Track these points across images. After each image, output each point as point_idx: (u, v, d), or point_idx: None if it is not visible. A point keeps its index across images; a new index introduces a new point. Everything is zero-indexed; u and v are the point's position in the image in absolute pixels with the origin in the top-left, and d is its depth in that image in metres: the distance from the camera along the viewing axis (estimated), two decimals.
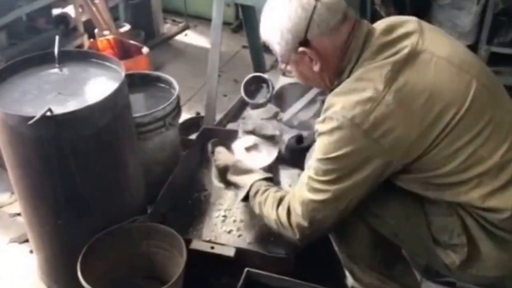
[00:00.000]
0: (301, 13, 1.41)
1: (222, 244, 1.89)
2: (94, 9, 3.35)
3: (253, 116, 2.66)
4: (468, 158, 1.36)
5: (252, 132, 2.24)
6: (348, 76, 1.43)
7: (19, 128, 1.60)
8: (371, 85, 1.34)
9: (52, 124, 1.58)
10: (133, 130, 1.96)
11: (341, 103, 1.36)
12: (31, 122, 1.51)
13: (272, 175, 1.78)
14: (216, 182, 1.90)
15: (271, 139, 2.22)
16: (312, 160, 1.46)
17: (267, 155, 2.13)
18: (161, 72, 2.72)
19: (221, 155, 1.86)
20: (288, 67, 1.55)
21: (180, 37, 4.42)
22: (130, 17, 4.00)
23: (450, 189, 1.39)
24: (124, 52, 3.16)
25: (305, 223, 1.47)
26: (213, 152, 1.89)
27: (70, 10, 3.42)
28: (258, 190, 1.65)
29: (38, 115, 1.53)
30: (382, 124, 1.32)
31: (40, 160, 1.68)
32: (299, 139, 2.18)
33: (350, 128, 1.33)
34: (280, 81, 2.84)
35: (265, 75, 2.91)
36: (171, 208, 2.15)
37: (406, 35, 1.42)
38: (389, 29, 1.44)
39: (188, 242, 1.84)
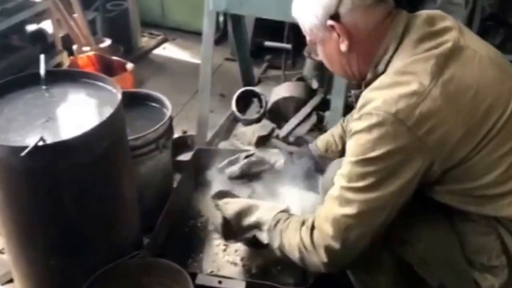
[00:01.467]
0: None
1: (229, 277, 1.77)
2: (72, 23, 3.18)
3: (248, 134, 2.54)
4: (510, 167, 1.28)
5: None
6: (385, 68, 1.33)
7: (7, 159, 1.44)
8: (416, 78, 1.23)
9: (45, 154, 1.43)
10: (129, 155, 1.81)
11: (382, 98, 1.24)
12: (23, 153, 1.35)
13: (286, 205, 1.62)
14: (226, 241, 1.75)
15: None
16: (344, 165, 1.33)
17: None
18: (142, 89, 2.58)
19: (230, 205, 1.67)
20: (317, 49, 1.46)
21: (159, 51, 4.27)
22: (107, 31, 3.84)
23: (491, 202, 1.30)
24: (107, 69, 2.99)
25: (336, 245, 1.32)
26: (217, 205, 1.70)
27: (46, 25, 3.24)
28: (279, 220, 1.51)
29: (30, 145, 1.38)
30: (428, 120, 1.21)
31: (30, 193, 1.52)
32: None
33: (392, 124, 1.21)
34: (273, 95, 2.74)
35: (257, 89, 2.81)
36: (168, 239, 2.03)
37: (446, 29, 1.34)
38: (430, 21, 1.35)
39: (192, 276, 1.70)
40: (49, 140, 1.43)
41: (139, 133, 2.07)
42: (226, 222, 1.65)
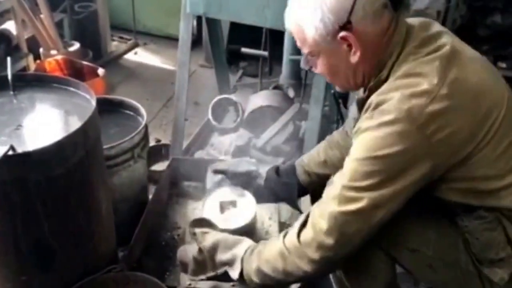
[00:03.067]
0: None
1: None
2: (38, 24, 3.03)
3: (225, 143, 2.47)
4: (509, 161, 1.31)
5: (224, 172, 2.03)
6: (389, 72, 1.31)
7: None
8: (425, 79, 1.23)
9: (15, 165, 1.32)
10: (105, 165, 1.71)
11: (394, 98, 1.23)
12: None
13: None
14: (193, 277, 1.65)
15: (246, 176, 2.02)
16: (347, 163, 1.30)
17: (246, 210, 1.94)
18: (112, 95, 2.48)
19: (207, 235, 1.62)
20: (318, 61, 1.39)
21: (129, 56, 4.15)
22: (74, 34, 3.70)
23: (492, 195, 1.33)
24: (76, 74, 2.86)
25: (330, 241, 1.30)
26: (194, 234, 1.65)
27: (10, 26, 3.07)
28: (254, 248, 1.49)
29: None
30: (437, 119, 1.21)
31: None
32: (277, 170, 2.01)
33: (404, 122, 1.20)
34: (250, 104, 2.68)
35: (233, 97, 2.74)
36: (144, 251, 1.94)
37: (440, 33, 1.35)
38: (425, 26, 1.36)
39: None
40: (20, 150, 1.32)
41: (113, 142, 1.97)
42: (199, 253, 1.59)
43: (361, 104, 1.40)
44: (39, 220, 1.43)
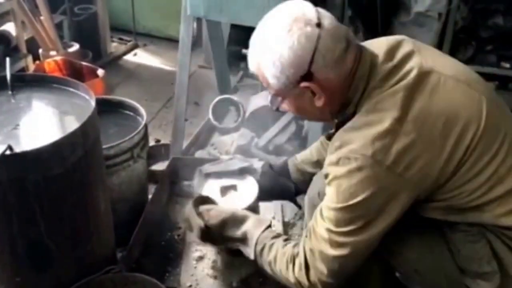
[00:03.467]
0: (305, 43, 1.24)
1: None
2: (38, 26, 3.02)
3: (226, 143, 2.47)
4: (490, 178, 1.30)
5: (217, 175, 1.98)
6: (355, 107, 1.31)
7: None
8: (387, 115, 1.23)
9: (13, 164, 1.31)
10: (104, 165, 1.70)
11: (357, 140, 1.23)
12: None
13: (270, 220, 1.60)
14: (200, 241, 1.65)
15: (243, 172, 1.99)
16: (326, 210, 1.31)
17: (247, 194, 1.90)
18: (111, 96, 2.47)
19: (213, 212, 1.60)
20: (284, 103, 1.38)
21: (129, 57, 4.15)
22: (74, 36, 3.69)
23: (474, 211, 1.32)
24: (75, 75, 2.85)
25: (331, 280, 1.35)
26: (199, 214, 1.61)
27: (10, 27, 3.07)
28: (263, 247, 1.48)
29: None
30: (405, 156, 1.22)
31: None
32: (270, 166, 1.99)
33: (372, 167, 1.21)
34: (251, 104, 2.67)
35: (235, 97, 2.74)
36: (143, 252, 1.93)
37: (408, 56, 1.33)
38: (390, 53, 1.34)
39: None
40: (18, 149, 1.31)
41: (112, 142, 1.96)
42: (206, 228, 1.57)
43: (328, 138, 1.43)
44: (35, 220, 1.42)
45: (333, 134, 1.38)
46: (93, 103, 1.55)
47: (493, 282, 1.35)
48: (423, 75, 1.29)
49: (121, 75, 3.84)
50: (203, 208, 1.63)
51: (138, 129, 2.04)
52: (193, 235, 1.64)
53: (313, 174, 1.84)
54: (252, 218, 1.56)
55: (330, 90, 1.30)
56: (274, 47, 1.26)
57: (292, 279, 1.40)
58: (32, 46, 3.21)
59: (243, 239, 1.53)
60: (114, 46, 4.20)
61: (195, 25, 3.91)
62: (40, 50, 3.20)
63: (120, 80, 3.75)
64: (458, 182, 1.28)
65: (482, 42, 3.64)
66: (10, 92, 1.61)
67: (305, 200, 1.78)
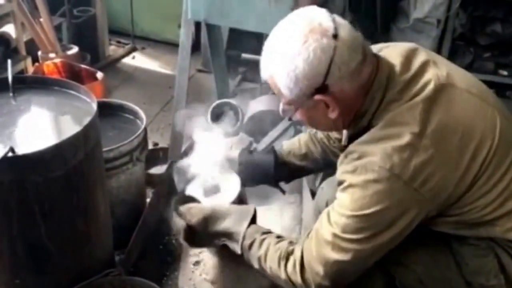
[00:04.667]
0: (321, 55, 1.20)
1: None
2: (38, 28, 3.02)
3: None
4: (502, 193, 1.29)
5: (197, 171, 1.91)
6: (371, 119, 1.29)
7: None
8: (406, 129, 1.22)
9: (15, 166, 1.31)
10: (103, 168, 1.70)
11: (376, 153, 1.22)
12: None
13: (254, 208, 1.55)
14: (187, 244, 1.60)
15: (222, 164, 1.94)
16: (336, 215, 1.29)
17: (229, 192, 1.86)
18: (110, 99, 2.46)
19: (193, 210, 1.56)
20: (296, 113, 1.35)
21: (127, 60, 4.14)
22: (73, 38, 3.69)
23: (485, 225, 1.31)
24: (75, 77, 2.84)
25: (327, 283, 1.32)
26: (180, 214, 1.57)
27: (9, 29, 3.06)
28: (253, 241, 1.44)
29: None
30: (423, 171, 1.20)
31: None
32: (250, 152, 1.96)
33: (388, 180, 1.20)
34: (250, 108, 2.67)
35: (234, 101, 2.73)
36: (141, 255, 1.93)
37: (424, 66, 1.31)
38: (407, 63, 1.31)
39: None
40: (19, 151, 1.31)
41: (111, 145, 1.96)
42: (190, 228, 1.54)
43: (341, 150, 1.39)
44: (35, 222, 1.42)
45: (345, 146, 1.36)
46: (94, 106, 1.55)
47: None
48: (440, 88, 1.27)
49: (119, 78, 3.83)
50: (183, 207, 1.58)
51: (137, 132, 2.04)
52: (180, 239, 1.60)
53: (297, 166, 1.83)
54: (234, 211, 1.53)
55: (344, 102, 1.27)
56: (289, 58, 1.23)
57: (283, 276, 1.37)
58: (31, 48, 3.20)
59: (228, 234, 1.49)
60: (112, 49, 4.19)
61: (193, 29, 3.92)
62: (39, 52, 3.19)
63: (118, 83, 3.75)
64: (472, 197, 1.28)
65: (480, 49, 3.67)
66: (11, 94, 1.61)
67: (313, 206, 1.78)
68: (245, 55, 3.12)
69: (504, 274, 1.34)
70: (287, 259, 1.37)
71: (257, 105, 2.63)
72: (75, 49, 3.39)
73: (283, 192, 2.01)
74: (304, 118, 1.37)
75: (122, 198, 2.06)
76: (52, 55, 3.14)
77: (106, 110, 2.19)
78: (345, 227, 1.26)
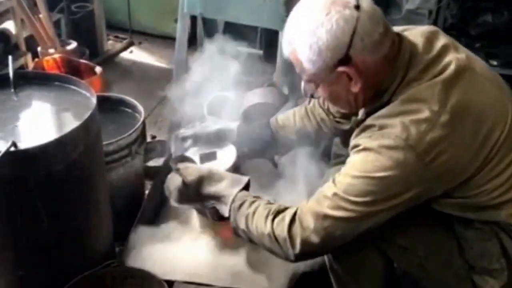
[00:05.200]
0: (344, 26, 1.22)
1: (207, 285, 1.73)
2: (37, 24, 3.06)
3: None
4: (510, 178, 1.32)
5: (192, 137, 1.99)
6: (390, 97, 1.31)
7: None
8: (425, 105, 1.24)
9: (17, 161, 1.35)
10: (103, 161, 1.75)
11: (394, 125, 1.24)
12: None
13: (248, 179, 1.57)
14: (178, 204, 1.65)
15: (217, 136, 2.00)
16: (342, 176, 1.31)
17: (225, 160, 1.92)
18: (109, 93, 2.50)
19: (190, 169, 1.60)
20: (317, 89, 1.37)
21: (125, 54, 4.18)
22: (71, 34, 3.72)
23: (491, 209, 1.34)
24: (74, 72, 2.89)
25: (315, 239, 1.31)
26: (178, 169, 1.62)
27: (9, 25, 3.10)
28: (243, 202, 1.46)
29: (1, 151, 1.30)
30: (436, 147, 1.23)
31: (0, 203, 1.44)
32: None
33: (403, 150, 1.22)
34: (245, 101, 2.71)
35: (230, 94, 2.77)
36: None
37: (445, 49, 1.33)
38: (429, 44, 1.34)
39: (170, 284, 1.67)
40: (21, 146, 1.36)
41: (110, 139, 2.01)
42: (184, 186, 1.58)
43: (357, 125, 1.40)
44: (37, 215, 1.46)
45: (362, 121, 1.37)
46: (94, 100, 1.59)
47: (501, 279, 1.37)
48: (461, 70, 1.29)
49: (117, 72, 3.86)
50: (181, 165, 1.62)
51: (136, 126, 2.09)
52: (171, 199, 1.64)
53: (291, 141, 1.86)
54: (229, 176, 1.56)
55: (367, 75, 1.28)
56: (312, 30, 1.25)
57: (267, 230, 1.36)
58: (31, 44, 3.24)
59: (219, 197, 1.51)
60: (110, 44, 4.22)
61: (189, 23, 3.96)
62: (39, 48, 3.23)
63: (117, 77, 3.78)
64: (480, 181, 1.30)
65: (471, 39, 3.70)
66: (12, 90, 1.65)
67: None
68: (240, 48, 3.15)
69: (505, 257, 1.37)
70: (275, 216, 1.37)
71: (252, 97, 2.66)
72: (73, 45, 3.42)
73: (276, 166, 2.04)
74: (325, 93, 1.39)
75: (121, 190, 2.10)
76: (51, 50, 3.17)
77: (105, 104, 2.22)
78: (348, 187, 1.28)
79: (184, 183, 1.58)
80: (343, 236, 1.33)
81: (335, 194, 1.29)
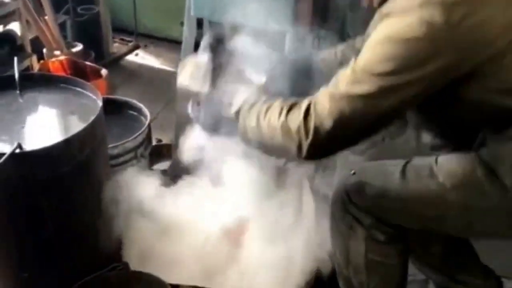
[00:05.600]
0: None
1: None
2: (43, 25, 3.05)
3: None
4: None
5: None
6: None
7: None
8: None
9: (22, 162, 1.34)
10: (109, 163, 1.74)
11: None
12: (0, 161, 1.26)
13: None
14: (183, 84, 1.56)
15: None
16: (365, 48, 1.21)
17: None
18: (114, 96, 2.49)
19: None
20: None
21: (130, 57, 4.17)
22: (77, 36, 3.72)
23: None
24: (79, 74, 2.87)
25: (328, 122, 1.19)
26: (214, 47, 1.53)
27: (15, 27, 3.09)
28: (255, 102, 1.35)
29: (6, 153, 1.29)
30: (463, 5, 1.14)
31: (4, 204, 1.43)
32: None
33: (428, 7, 1.13)
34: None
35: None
36: None
37: None
38: None
39: None
40: (27, 148, 1.35)
41: (116, 142, 1.99)
42: (208, 65, 1.51)
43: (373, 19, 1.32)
44: (43, 217, 1.46)
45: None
46: (100, 103, 1.58)
47: None
48: None
49: (122, 75, 3.85)
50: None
51: (141, 129, 2.08)
52: (180, 76, 1.56)
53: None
54: (255, 87, 1.44)
55: None
56: None
57: (280, 122, 1.26)
58: (36, 46, 3.23)
59: (234, 93, 1.40)
60: (116, 47, 4.21)
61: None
62: (44, 50, 3.22)
63: (122, 80, 3.77)
64: None
65: None
66: (18, 92, 1.65)
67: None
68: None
69: None
70: (291, 107, 1.27)
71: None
72: (79, 47, 3.41)
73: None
74: None
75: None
76: (57, 52, 3.16)
77: (111, 107, 2.21)
78: (370, 56, 1.19)
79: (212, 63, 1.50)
80: (357, 116, 1.20)
81: (353, 70, 1.20)
